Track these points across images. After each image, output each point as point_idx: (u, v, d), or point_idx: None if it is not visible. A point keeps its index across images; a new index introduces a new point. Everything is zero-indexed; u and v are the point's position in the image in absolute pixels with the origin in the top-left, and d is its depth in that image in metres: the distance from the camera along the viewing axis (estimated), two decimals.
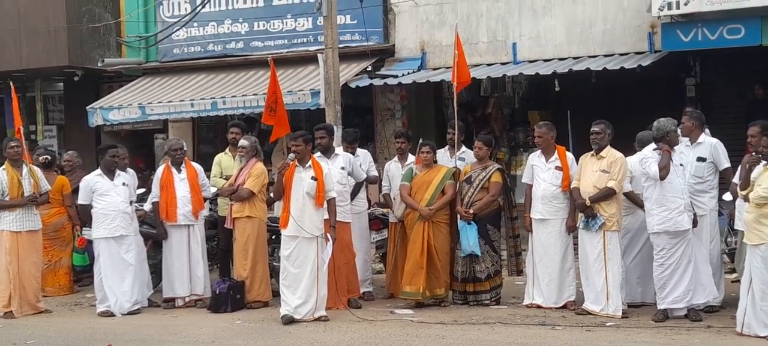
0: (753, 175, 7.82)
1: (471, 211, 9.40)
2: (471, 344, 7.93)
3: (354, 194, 9.92)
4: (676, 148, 8.54)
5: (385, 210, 10.63)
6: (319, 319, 8.97)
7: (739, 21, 11.83)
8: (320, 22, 12.98)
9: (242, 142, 10.17)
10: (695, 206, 8.58)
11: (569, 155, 9.36)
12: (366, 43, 14.25)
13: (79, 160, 12.30)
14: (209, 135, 16.93)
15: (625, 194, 8.99)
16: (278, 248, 9.59)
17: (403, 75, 13.76)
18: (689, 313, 8.45)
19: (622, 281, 8.76)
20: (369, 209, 10.60)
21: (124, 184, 9.96)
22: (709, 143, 8.90)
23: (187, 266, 10.08)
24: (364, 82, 13.63)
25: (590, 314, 8.82)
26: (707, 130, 9.09)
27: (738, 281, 8.66)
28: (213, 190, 10.57)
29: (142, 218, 10.49)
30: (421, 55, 14.41)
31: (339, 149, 10.09)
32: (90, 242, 11.00)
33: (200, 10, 15.29)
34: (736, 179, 8.39)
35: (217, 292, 9.75)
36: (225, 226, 10.16)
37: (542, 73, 12.64)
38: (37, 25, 16.09)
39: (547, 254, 9.23)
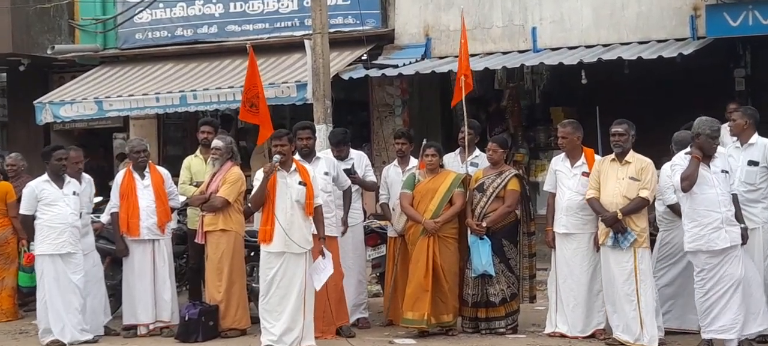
0: None
1: (484, 224, 9.40)
2: None
3: (347, 206, 9.93)
4: (723, 149, 8.53)
5: (383, 223, 10.64)
6: None
7: None
8: (307, 2, 13.02)
9: (216, 142, 10.18)
10: (746, 218, 8.59)
11: (598, 158, 9.36)
12: (361, 28, 14.27)
13: (24, 163, 12.31)
14: (177, 135, 16.97)
15: (669, 207, 9.00)
16: (257, 267, 9.59)
17: (404, 65, 13.79)
18: (741, 344, 8.45)
19: (656, 305, 8.78)
20: (364, 221, 10.60)
21: (74, 193, 9.91)
22: (762, 144, 8.90)
23: (152, 287, 10.07)
24: (359, 72, 13.65)
25: (622, 345, 8.83)
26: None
27: None
28: (182, 199, 10.58)
29: (99, 231, 10.48)
30: (425, 42, 14.45)
31: (321, 152, 10.12)
32: None
33: None
34: None
35: (187, 318, 9.75)
36: (195, 241, 10.16)
37: (567, 62, 12.67)
38: None
39: (573, 275, 9.24)
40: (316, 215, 9.05)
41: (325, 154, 10.11)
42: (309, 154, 9.71)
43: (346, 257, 9.89)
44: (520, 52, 13.88)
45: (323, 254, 8.99)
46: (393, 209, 10.11)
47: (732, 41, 13.34)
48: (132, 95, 14.53)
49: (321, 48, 12.23)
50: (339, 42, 13.96)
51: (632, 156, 8.92)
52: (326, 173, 9.66)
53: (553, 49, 13.67)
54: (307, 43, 12.60)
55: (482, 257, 9.35)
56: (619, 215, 8.72)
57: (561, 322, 9.31)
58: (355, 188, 10.18)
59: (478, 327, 9.57)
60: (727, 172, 8.45)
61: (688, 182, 8.25)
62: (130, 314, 10.14)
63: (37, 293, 9.99)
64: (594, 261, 9.20)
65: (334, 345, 9.21)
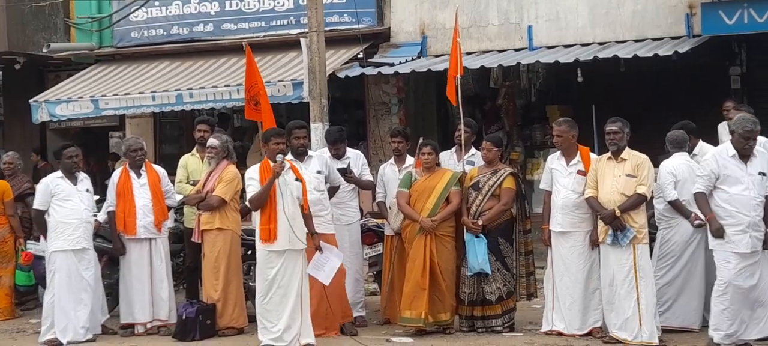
0: None
1: (480, 222, 9.44)
2: None
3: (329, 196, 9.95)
4: (763, 150, 8.42)
5: (379, 221, 10.66)
6: None
7: None
8: (303, 1, 13.04)
9: (212, 141, 10.20)
10: None
11: (594, 157, 9.40)
12: (357, 26, 14.30)
13: (20, 162, 12.32)
14: (173, 133, 17.01)
15: (670, 203, 9.06)
16: (254, 265, 9.62)
17: (400, 63, 13.83)
18: None
19: (655, 302, 8.84)
20: (361, 219, 10.63)
21: (87, 190, 9.97)
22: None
23: (149, 286, 10.10)
24: (355, 71, 13.69)
25: (620, 342, 8.88)
26: None
27: None
28: (178, 197, 10.60)
29: (96, 230, 10.51)
30: (421, 40, 14.49)
31: (314, 151, 10.14)
32: (36, 257, 11.05)
33: None
34: None
35: (184, 317, 9.77)
36: (192, 239, 10.19)
37: (563, 61, 12.71)
38: None
39: (569, 273, 9.27)
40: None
41: (318, 152, 10.13)
42: (303, 153, 9.73)
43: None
44: (516, 50, 13.92)
45: (320, 249, 9.04)
46: (389, 208, 10.13)
47: (727, 39, 13.40)
48: (128, 94, 14.56)
49: (317, 46, 12.26)
50: (335, 40, 14.00)
51: (628, 153, 8.96)
52: (319, 172, 9.67)
53: (549, 48, 13.71)
54: (303, 41, 12.62)
55: (478, 255, 9.38)
56: (618, 212, 8.76)
57: (558, 320, 9.35)
58: (351, 186, 10.21)
59: (475, 326, 9.60)
60: (764, 174, 8.31)
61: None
62: (128, 313, 10.16)
63: (47, 289, 10.00)
64: (590, 259, 9.23)
65: (334, 343, 9.24)
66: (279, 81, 13.60)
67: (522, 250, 9.78)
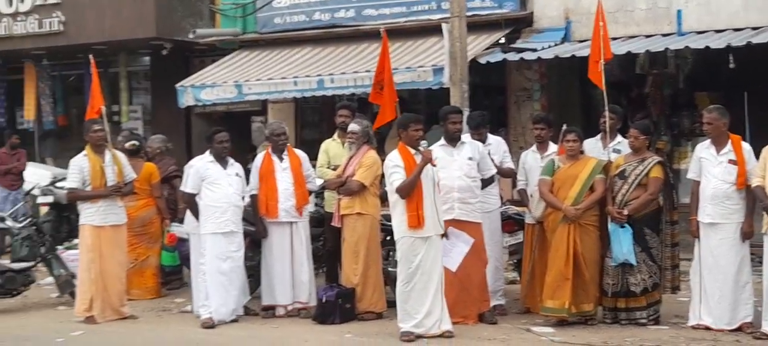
0: None
1: (625, 212, 9.26)
2: None
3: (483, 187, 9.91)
4: None
5: (520, 209, 10.58)
6: (443, 334, 9.00)
7: None
8: None
9: (352, 126, 10.28)
10: None
11: (746, 146, 9.12)
12: (499, 11, 14.21)
13: (168, 145, 12.68)
14: (314, 118, 17.23)
15: None
16: (393, 251, 9.67)
17: (543, 48, 13.67)
18: None
19: None
20: (501, 207, 10.56)
21: (237, 174, 10.19)
22: None
23: (290, 269, 10.26)
24: (497, 56, 13.59)
25: None
26: None
27: None
28: (319, 182, 10.72)
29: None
30: (564, 25, 14.30)
31: (465, 136, 10.09)
32: (181, 239, 11.37)
33: None
34: None
35: (324, 300, 9.90)
36: (332, 224, 10.30)
37: (713, 46, 12.36)
38: None
39: (718, 266, 9.03)
40: None
41: (469, 138, 10.07)
42: (457, 139, 9.70)
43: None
44: (664, 35, 13.61)
45: (447, 236, 9.04)
46: (531, 196, 10.04)
47: None
48: (270, 79, 14.81)
49: (458, 32, 12.22)
50: (476, 25, 13.93)
51: None
52: (470, 159, 9.63)
53: (699, 33, 13.35)
54: (444, 26, 12.60)
55: (623, 245, 9.21)
56: None
57: (705, 314, 9.11)
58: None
59: (618, 318, 9.43)
60: None
61: None
62: (269, 295, 10.35)
63: (195, 270, 10.29)
64: (741, 252, 8.99)
65: (473, 331, 9.22)
66: (419, 66, 13.62)
67: (668, 241, 9.56)
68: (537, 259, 9.88)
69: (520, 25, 14.61)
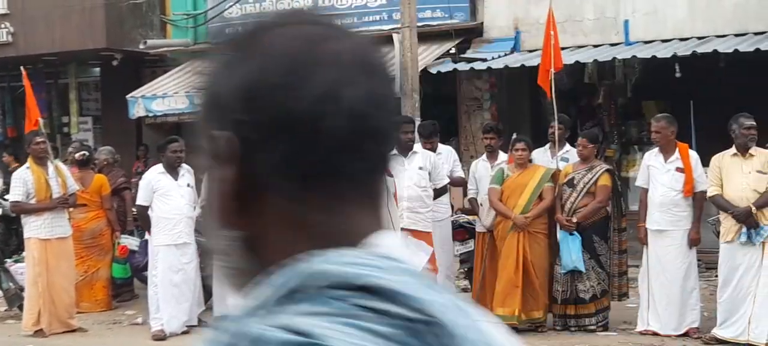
0: None
1: (574, 219, 9.34)
2: None
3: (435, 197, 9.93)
4: None
5: (471, 218, 10.63)
6: None
7: None
8: None
9: None
10: None
11: (693, 154, 9.23)
12: (450, 21, 14.26)
13: (116, 157, 12.58)
14: None
15: None
16: None
17: (492, 58, 13.74)
18: None
19: None
20: (452, 216, 10.60)
21: (188, 185, 10.12)
22: None
23: None
24: (447, 66, 13.65)
25: (722, 342, 8.68)
26: None
27: None
28: None
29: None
30: (514, 35, 14.37)
31: (417, 146, 10.12)
32: (132, 251, 11.28)
33: None
34: None
35: None
36: None
37: (660, 56, 12.50)
38: (70, 2, 16.53)
39: (666, 272, 9.13)
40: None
41: (420, 148, 10.09)
42: (409, 149, 9.72)
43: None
44: (612, 45, 13.74)
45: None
46: (481, 204, 10.09)
47: None
48: None
49: (409, 42, 12.27)
50: (427, 36, 13.98)
51: (755, 150, 8.75)
52: (420, 168, 9.67)
53: (646, 42, 13.50)
54: (395, 36, 12.64)
55: (572, 253, 9.29)
56: (754, 210, 8.54)
57: (653, 320, 9.21)
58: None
59: (568, 324, 9.51)
60: None
61: None
62: (222, 306, 10.26)
63: (150, 282, 10.21)
64: (688, 259, 9.11)
65: None
66: None
67: (616, 248, 9.66)
68: (488, 267, 9.92)
69: (470, 35, 14.68)
